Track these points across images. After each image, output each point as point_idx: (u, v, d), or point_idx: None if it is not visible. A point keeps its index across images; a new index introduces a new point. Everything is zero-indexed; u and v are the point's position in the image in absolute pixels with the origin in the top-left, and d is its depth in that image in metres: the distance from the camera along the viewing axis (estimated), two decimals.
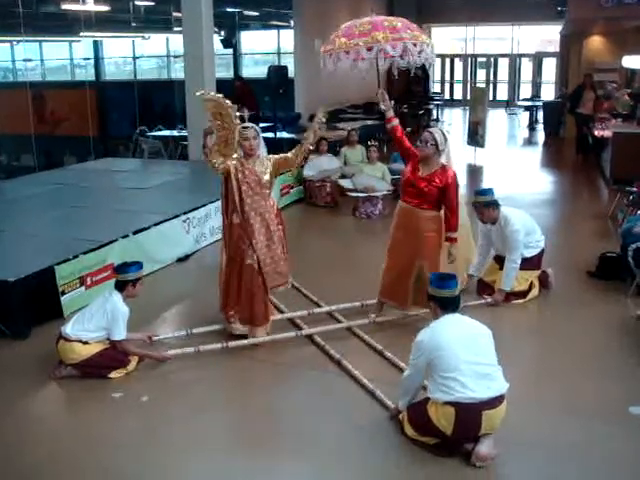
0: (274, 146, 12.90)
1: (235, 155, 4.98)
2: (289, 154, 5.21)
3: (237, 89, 14.17)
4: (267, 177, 5.11)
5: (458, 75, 25.34)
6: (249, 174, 5.02)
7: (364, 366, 4.67)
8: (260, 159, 5.12)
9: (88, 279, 5.86)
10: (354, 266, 6.99)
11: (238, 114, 4.79)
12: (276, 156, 5.19)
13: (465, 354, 3.59)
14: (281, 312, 5.64)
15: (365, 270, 6.78)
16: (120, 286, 4.73)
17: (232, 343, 5.04)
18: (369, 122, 14.38)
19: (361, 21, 5.02)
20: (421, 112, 18.14)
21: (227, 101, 4.75)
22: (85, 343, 4.61)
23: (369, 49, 4.82)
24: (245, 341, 5.07)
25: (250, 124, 5.17)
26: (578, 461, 3.67)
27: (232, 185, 4.99)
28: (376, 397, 4.27)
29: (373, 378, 4.47)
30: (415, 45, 4.86)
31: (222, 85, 11.71)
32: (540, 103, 18.79)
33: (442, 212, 5.14)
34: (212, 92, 4.93)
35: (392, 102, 5.17)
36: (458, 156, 13.84)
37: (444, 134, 5.11)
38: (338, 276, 6.59)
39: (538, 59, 23.91)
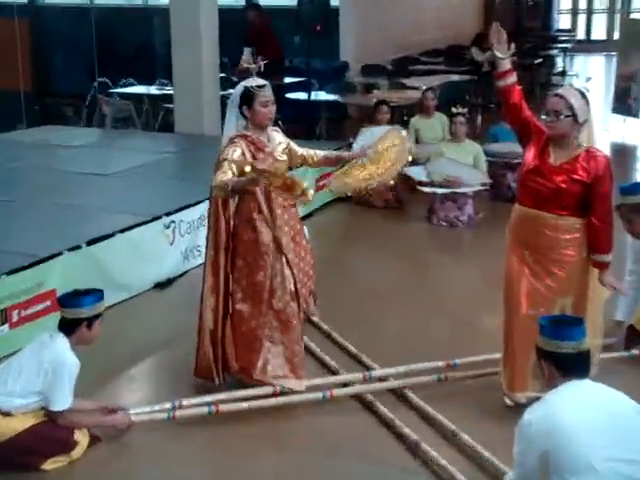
0: (309, 112, 12.93)
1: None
2: (314, 153, 5.64)
3: (252, 24, 14.25)
4: (284, 160, 5.40)
5: (600, 1, 25.11)
6: (265, 157, 5.23)
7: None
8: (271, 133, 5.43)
9: (14, 313, 5.89)
10: (429, 303, 7.00)
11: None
12: (295, 146, 5.52)
13: (604, 446, 3.50)
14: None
15: (447, 310, 6.78)
16: (68, 327, 4.72)
17: (224, 407, 5.14)
18: (455, 77, 14.37)
19: None
20: (538, 61, 18.11)
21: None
22: (6, 415, 4.58)
23: None
24: (245, 405, 5.19)
25: (264, 81, 5.28)
26: None
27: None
28: None
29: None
30: None
31: (228, 16, 11.72)
32: None
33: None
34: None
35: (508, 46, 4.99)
36: (600, 130, 13.74)
37: (584, 96, 4.99)
38: (403, 319, 6.55)
39: None
